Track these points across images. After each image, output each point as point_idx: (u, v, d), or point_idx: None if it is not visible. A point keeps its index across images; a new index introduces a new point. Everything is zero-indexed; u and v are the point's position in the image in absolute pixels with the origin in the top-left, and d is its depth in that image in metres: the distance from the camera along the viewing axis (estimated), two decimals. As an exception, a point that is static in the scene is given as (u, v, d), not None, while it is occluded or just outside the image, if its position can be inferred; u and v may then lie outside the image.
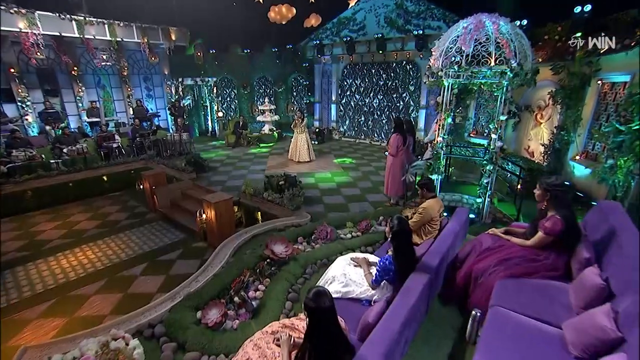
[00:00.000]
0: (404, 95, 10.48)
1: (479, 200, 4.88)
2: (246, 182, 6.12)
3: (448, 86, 4.58)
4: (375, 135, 11.26)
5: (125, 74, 10.11)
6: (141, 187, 6.78)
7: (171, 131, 10.29)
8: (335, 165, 8.43)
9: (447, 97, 4.66)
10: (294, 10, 15.28)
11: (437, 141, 4.93)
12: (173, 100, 10.93)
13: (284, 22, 15.19)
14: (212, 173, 8.05)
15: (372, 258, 2.99)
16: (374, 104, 11.04)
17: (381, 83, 10.73)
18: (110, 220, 6.12)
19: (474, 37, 4.01)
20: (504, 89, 4.29)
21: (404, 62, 10.19)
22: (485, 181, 4.76)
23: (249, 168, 8.24)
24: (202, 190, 6.67)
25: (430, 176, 5.08)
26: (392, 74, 10.45)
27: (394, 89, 10.51)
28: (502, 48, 3.94)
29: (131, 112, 9.81)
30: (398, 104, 10.59)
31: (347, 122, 11.90)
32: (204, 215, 5.30)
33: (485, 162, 4.72)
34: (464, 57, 4.12)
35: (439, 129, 4.85)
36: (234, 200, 5.66)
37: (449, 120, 4.84)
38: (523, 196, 5.00)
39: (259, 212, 5.64)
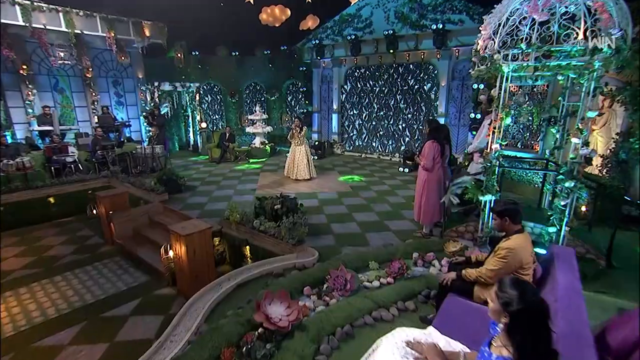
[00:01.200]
0: (419, 102, 9.83)
1: (550, 229, 3.70)
2: (231, 205, 4.91)
3: (507, 75, 3.48)
4: (385, 148, 10.60)
5: (89, 75, 9.00)
6: (94, 211, 5.49)
7: (144, 143, 8.99)
8: (340, 184, 7.54)
9: (504, 89, 3.55)
10: (288, 12, 14.67)
11: (490, 150, 3.76)
12: (149, 108, 9.73)
13: (277, 25, 14.48)
14: (190, 194, 6.92)
15: (451, 344, 1.73)
16: (383, 113, 10.44)
17: (391, 89, 10.13)
18: (47, 256, 4.87)
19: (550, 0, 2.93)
20: (594, 73, 3.18)
21: (419, 64, 9.51)
22: (562, 203, 3.60)
23: (235, 187, 7.32)
24: (175, 216, 5.48)
25: (481, 197, 3.89)
26: (404, 78, 9.85)
27: (407, 96, 9.91)
28: (595, 14, 2.84)
29: (96, 121, 8.55)
30: (412, 113, 10.01)
31: (350, 134, 11.29)
32: (170, 252, 4.02)
33: (562, 177, 3.55)
34: (534, 30, 3.01)
35: (493, 133, 3.71)
36: (215, 231, 4.51)
37: (508, 121, 3.70)
38: (592, 221, 4.15)
39: (248, 247, 4.40)
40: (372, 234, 4.94)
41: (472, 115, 8.20)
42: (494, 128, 3.87)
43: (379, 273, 3.71)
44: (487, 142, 3.93)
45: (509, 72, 3.61)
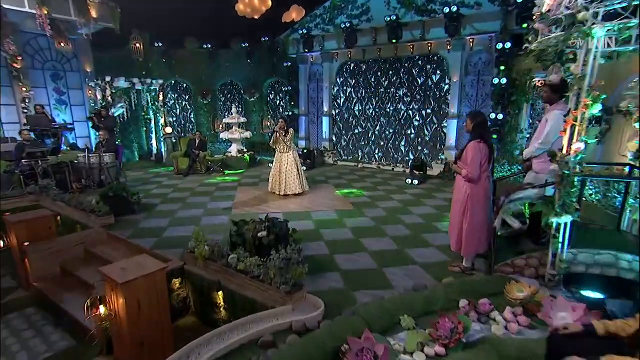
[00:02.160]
0: (427, 102, 9.18)
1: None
2: (197, 234, 3.72)
3: (596, 44, 2.58)
4: (386, 157, 10.03)
5: (17, 66, 7.60)
6: (1, 244, 4.21)
7: (90, 151, 7.69)
8: (339, 199, 6.66)
9: (592, 64, 2.63)
10: (269, 2, 13.78)
11: (568, 152, 2.78)
12: (98, 108, 8.47)
13: (256, 17, 13.59)
14: (145, 215, 5.84)
15: None
16: (384, 116, 9.90)
17: (393, 87, 9.59)
18: None
19: None
20: None
21: (426, 57, 8.89)
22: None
23: (206, 206, 6.29)
24: (121, 246, 4.30)
25: (556, 219, 2.90)
26: (409, 74, 9.30)
27: (412, 95, 9.33)
28: None
29: (25, 122, 7.21)
30: (418, 115, 9.36)
31: (344, 141, 10.76)
32: (102, 309, 2.81)
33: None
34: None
35: (571, 128, 2.74)
36: (174, 269, 3.33)
37: (596, 109, 2.73)
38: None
39: (221, 292, 3.24)
40: (393, 270, 3.90)
41: (493, 115, 7.43)
42: (574, 120, 2.87)
43: (419, 336, 2.61)
44: (555, 142, 2.93)
45: (602, 36, 2.62)
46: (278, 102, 12.61)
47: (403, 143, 9.72)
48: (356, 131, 10.53)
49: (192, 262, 3.82)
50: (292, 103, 11.45)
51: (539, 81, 7.13)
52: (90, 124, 8.96)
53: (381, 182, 8.29)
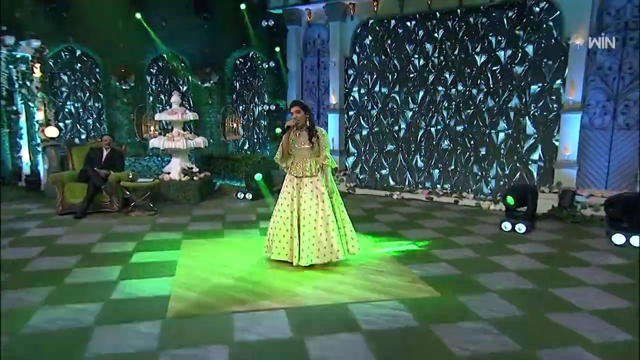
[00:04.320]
0: (518, 85, 8.51)
1: None
2: None
3: None
4: (443, 182, 9.58)
5: None
6: None
7: None
8: (397, 270, 5.67)
9: None
10: None
11: None
12: None
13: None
14: None
15: None
16: (439, 113, 9.47)
17: (455, 63, 9.12)
18: None
19: None
20: None
21: (518, 5, 8.28)
22: None
23: (108, 295, 4.96)
24: None
25: None
26: (484, 39, 8.75)
27: (491, 75, 8.81)
28: None
29: None
30: (501, 109, 8.82)
31: (366, 155, 10.48)
32: None
33: None
34: None
35: None
36: None
37: None
38: None
39: None
40: None
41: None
42: None
43: None
44: None
45: None
46: (251, 88, 12.00)
47: (478, 157, 9.10)
48: (384, 138, 10.17)
49: None
50: (277, 90, 10.66)
51: None
52: None
53: (449, 226, 7.51)
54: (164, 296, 4.39)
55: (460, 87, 8.93)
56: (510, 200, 6.84)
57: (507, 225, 6.75)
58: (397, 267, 5.35)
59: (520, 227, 6.62)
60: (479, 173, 8.93)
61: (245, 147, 11.98)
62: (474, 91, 8.78)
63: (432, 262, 5.48)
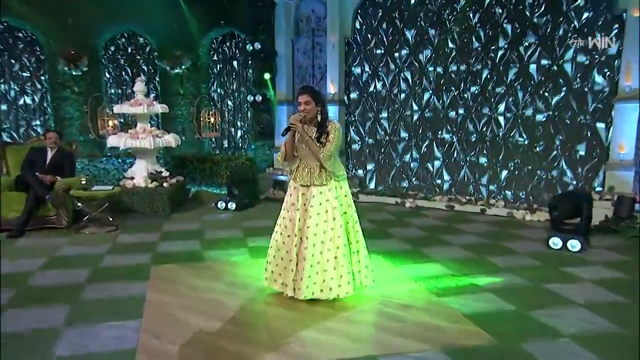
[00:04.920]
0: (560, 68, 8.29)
1: None
2: None
3: None
4: (463, 188, 9.48)
5: None
6: None
7: None
8: (427, 304, 5.40)
9: None
10: None
11: None
12: None
13: None
14: None
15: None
16: (460, 106, 9.36)
17: (484, 48, 8.95)
18: None
19: None
20: None
21: None
22: None
23: (48, 357, 4.39)
24: None
25: None
26: (522, 16, 8.51)
27: (534, 64, 8.54)
28: None
29: None
30: (532, 98, 8.64)
31: (372, 157, 10.54)
32: None
33: None
34: None
35: None
36: None
37: None
38: None
39: None
40: None
41: None
42: None
43: None
44: None
45: None
46: (232, 76, 11.96)
47: (510, 153, 8.96)
48: (394, 134, 10.07)
49: None
50: (264, 77, 10.55)
51: None
52: None
53: (482, 242, 7.25)
54: (128, 350, 3.86)
55: (482, 67, 8.65)
56: (558, 210, 6.68)
57: (556, 242, 6.41)
58: (429, 299, 4.99)
59: (574, 244, 6.29)
60: (511, 173, 8.68)
61: (225, 146, 11.76)
62: (501, 68, 8.51)
63: (473, 292, 5.13)
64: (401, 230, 7.55)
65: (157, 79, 11.90)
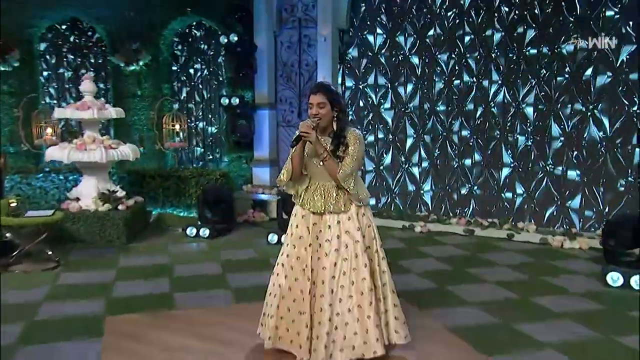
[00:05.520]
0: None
1: None
2: None
3: None
4: (484, 208, 9.34)
5: None
6: None
7: None
8: (468, 357, 5.23)
9: None
10: None
11: None
12: None
13: None
14: None
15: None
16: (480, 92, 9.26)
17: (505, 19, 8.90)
18: None
19: None
20: None
21: None
22: None
23: None
24: None
25: None
26: None
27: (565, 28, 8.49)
28: None
29: None
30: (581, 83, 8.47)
31: (374, 169, 10.43)
32: None
33: None
34: None
35: None
36: None
37: None
38: None
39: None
40: None
41: None
42: None
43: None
44: None
45: None
46: (204, 74, 11.67)
47: (545, 165, 8.71)
48: (400, 142, 9.90)
49: None
50: (240, 76, 10.25)
51: None
52: None
53: (519, 278, 6.94)
54: None
55: (509, 55, 8.39)
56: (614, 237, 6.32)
57: (615, 278, 5.98)
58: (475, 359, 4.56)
59: (640, 283, 5.99)
60: (544, 189, 8.34)
61: (194, 159, 11.52)
62: (532, 51, 8.22)
63: (528, 348, 4.70)
64: (418, 263, 7.25)
65: (110, 76, 11.35)
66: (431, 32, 9.35)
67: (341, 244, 4.34)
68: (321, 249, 4.38)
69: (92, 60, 11.59)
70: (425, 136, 9.50)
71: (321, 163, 4.43)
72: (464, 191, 9.15)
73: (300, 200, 4.54)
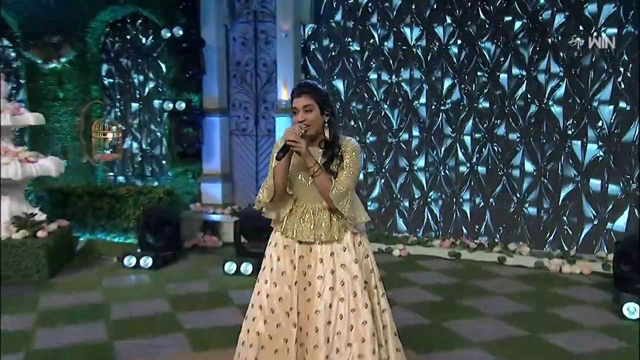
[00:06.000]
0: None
1: None
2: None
3: None
4: (474, 227, 9.37)
5: None
6: None
7: None
8: None
9: None
10: None
11: None
12: None
13: None
14: None
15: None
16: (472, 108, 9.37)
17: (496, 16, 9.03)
18: None
19: None
20: None
21: None
22: None
23: None
24: None
25: None
26: None
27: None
28: None
29: None
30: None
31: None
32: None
33: None
34: None
35: None
36: None
37: None
38: None
39: None
40: None
41: None
42: None
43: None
44: None
45: None
46: (143, 74, 11.46)
47: (542, 184, 8.77)
48: (381, 159, 9.80)
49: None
50: (187, 76, 9.87)
51: None
52: None
53: (524, 311, 6.83)
54: None
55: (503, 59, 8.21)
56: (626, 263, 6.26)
57: (632, 309, 5.83)
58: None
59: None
60: (539, 207, 8.25)
61: (130, 174, 11.05)
62: (534, 56, 8.05)
63: None
64: (402, 293, 6.87)
65: (24, 76, 10.87)
66: (408, 20, 9.08)
67: (336, 280, 3.86)
68: (311, 287, 3.88)
69: (2, 56, 11.29)
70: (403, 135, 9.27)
71: (310, 179, 3.99)
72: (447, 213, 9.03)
73: (283, 227, 4.01)
